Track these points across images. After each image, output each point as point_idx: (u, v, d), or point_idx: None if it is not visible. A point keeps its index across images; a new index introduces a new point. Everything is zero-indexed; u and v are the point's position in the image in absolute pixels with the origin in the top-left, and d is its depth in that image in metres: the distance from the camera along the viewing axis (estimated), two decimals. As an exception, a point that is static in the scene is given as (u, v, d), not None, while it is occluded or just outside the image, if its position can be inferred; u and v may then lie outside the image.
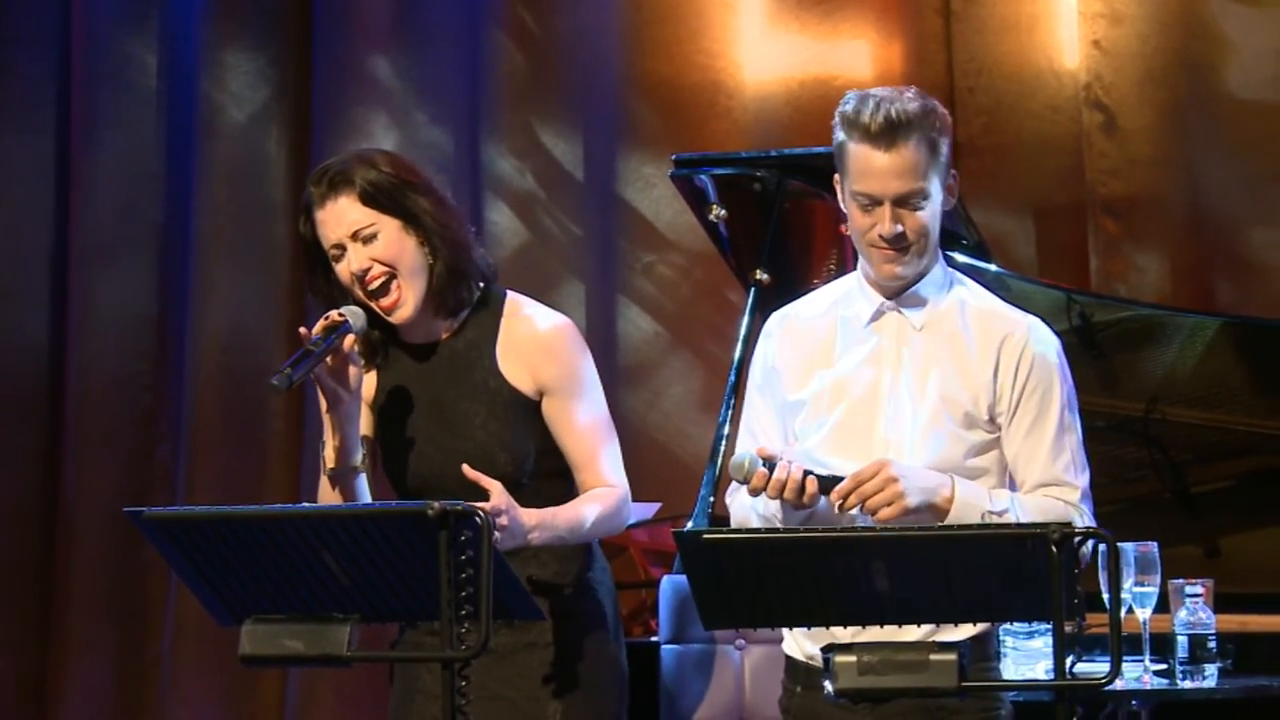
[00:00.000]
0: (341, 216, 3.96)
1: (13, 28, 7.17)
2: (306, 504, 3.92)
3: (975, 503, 3.75)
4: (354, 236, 3.96)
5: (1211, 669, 4.53)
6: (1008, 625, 4.48)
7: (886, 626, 3.30)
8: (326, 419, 3.98)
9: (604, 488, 4.01)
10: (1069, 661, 3.22)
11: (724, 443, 5.28)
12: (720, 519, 4.70)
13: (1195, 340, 5.40)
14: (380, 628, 3.62)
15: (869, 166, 3.78)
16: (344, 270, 3.98)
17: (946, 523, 3.71)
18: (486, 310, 4.07)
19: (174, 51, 7.19)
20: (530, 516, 3.85)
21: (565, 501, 4.00)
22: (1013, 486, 3.86)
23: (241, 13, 7.17)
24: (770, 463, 3.70)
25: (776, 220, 5.41)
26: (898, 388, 3.84)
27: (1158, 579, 4.50)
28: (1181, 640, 4.53)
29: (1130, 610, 4.49)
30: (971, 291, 3.93)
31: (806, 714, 3.88)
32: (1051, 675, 3.23)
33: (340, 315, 3.93)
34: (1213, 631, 4.53)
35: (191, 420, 7.06)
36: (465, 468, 3.84)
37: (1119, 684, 4.33)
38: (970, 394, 3.83)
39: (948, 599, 3.27)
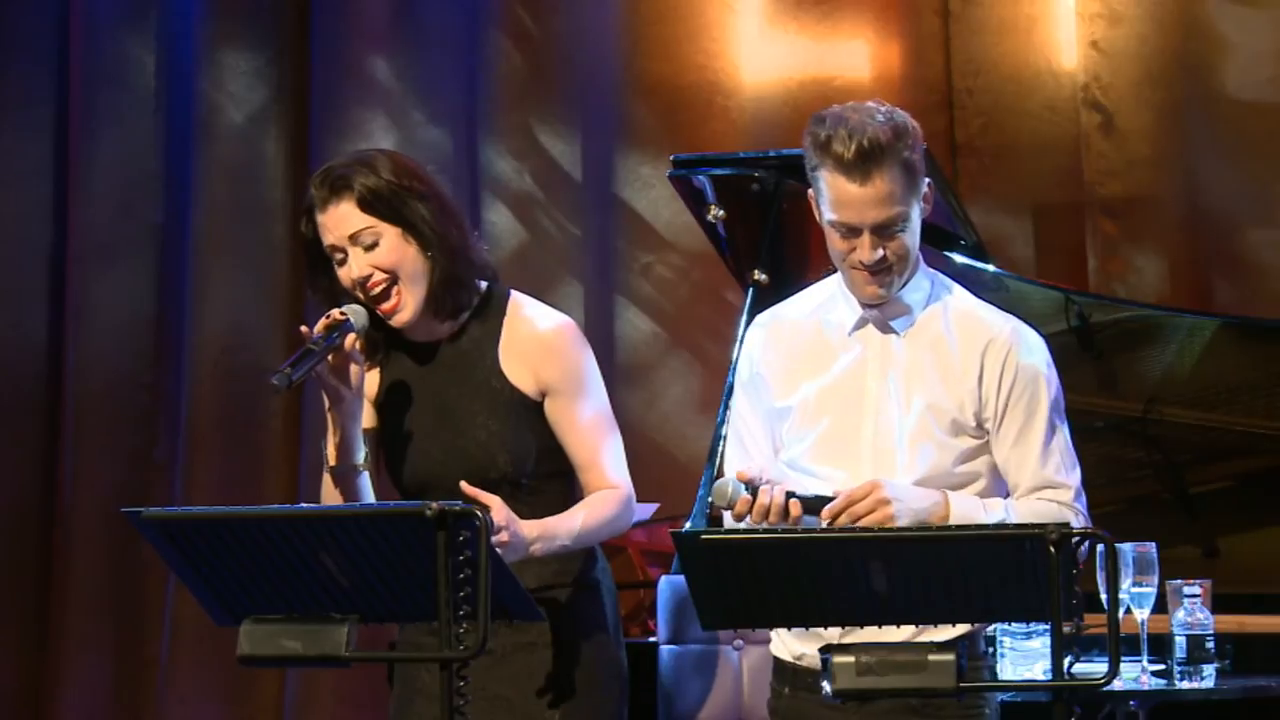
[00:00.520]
0: (341, 221, 3.96)
1: (12, 28, 7.16)
2: (305, 504, 3.91)
3: (970, 518, 3.73)
4: (354, 240, 3.96)
5: (1209, 669, 4.53)
6: (1005, 625, 4.48)
7: (879, 626, 3.29)
8: (328, 416, 3.98)
9: (607, 489, 4.00)
10: (1067, 662, 3.22)
11: (721, 443, 5.27)
12: (718, 519, 4.70)
13: (1193, 340, 5.40)
14: (379, 628, 3.61)
15: (845, 198, 3.72)
16: (345, 275, 3.97)
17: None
18: (489, 310, 4.06)
19: (172, 51, 7.19)
20: (531, 529, 3.84)
21: (566, 502, 4.00)
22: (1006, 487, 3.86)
23: (240, 12, 7.17)
24: (752, 486, 3.69)
25: (775, 221, 5.40)
26: (884, 397, 3.81)
27: (1156, 579, 4.50)
28: (1179, 641, 4.53)
29: (1128, 611, 4.49)
30: (954, 294, 3.88)
31: (794, 715, 3.87)
32: (1049, 675, 3.22)
33: (342, 314, 3.92)
34: (1211, 632, 4.53)
35: (190, 420, 7.06)
36: (463, 484, 3.83)
37: (1117, 684, 4.31)
38: (955, 401, 3.80)
39: (946, 600, 3.27)
